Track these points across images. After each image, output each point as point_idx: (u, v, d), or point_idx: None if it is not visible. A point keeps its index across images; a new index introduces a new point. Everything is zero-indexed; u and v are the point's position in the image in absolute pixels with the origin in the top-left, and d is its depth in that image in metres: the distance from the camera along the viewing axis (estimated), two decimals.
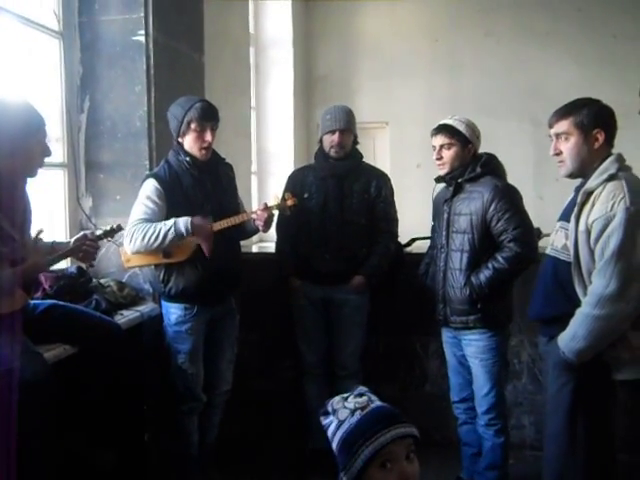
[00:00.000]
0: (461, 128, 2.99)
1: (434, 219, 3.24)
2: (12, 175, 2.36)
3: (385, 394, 1.59)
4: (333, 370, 3.56)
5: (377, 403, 1.51)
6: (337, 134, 3.38)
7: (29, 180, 2.48)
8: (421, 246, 3.80)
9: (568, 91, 3.15)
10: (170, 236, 2.84)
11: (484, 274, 2.90)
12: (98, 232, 2.70)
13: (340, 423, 1.49)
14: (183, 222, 2.85)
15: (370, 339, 3.62)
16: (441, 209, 3.12)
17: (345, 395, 1.54)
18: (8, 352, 2.17)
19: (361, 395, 1.52)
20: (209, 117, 2.97)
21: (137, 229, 2.87)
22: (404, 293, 3.71)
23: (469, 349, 3.05)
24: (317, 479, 3.27)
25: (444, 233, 3.06)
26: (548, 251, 2.49)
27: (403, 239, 3.70)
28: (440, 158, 3.04)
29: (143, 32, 3.36)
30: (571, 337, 2.25)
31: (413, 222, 3.89)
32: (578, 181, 2.46)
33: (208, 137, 2.97)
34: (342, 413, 1.50)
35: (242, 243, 3.35)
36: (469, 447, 3.22)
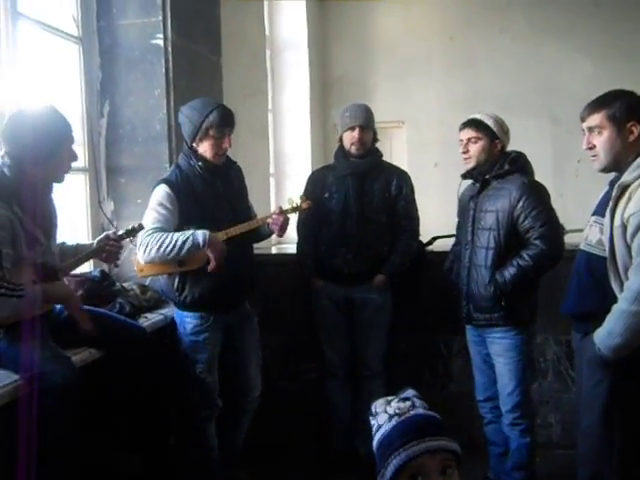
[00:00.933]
0: (489, 122, 2.97)
1: (459, 216, 3.22)
2: (41, 182, 2.38)
3: None
4: (356, 371, 3.54)
5: (418, 411, 1.46)
6: (357, 130, 3.36)
7: (54, 185, 2.49)
8: (443, 245, 3.77)
9: (586, 87, 3.11)
10: (187, 246, 2.74)
11: (509, 271, 2.88)
12: (120, 232, 2.71)
13: (379, 427, 1.46)
14: (201, 234, 2.76)
15: (393, 339, 3.59)
16: (467, 206, 3.10)
17: (390, 398, 1.50)
18: (34, 357, 2.18)
19: (405, 400, 1.48)
20: (228, 123, 2.92)
21: (152, 239, 2.76)
22: (427, 292, 3.68)
23: (493, 347, 3.02)
24: None
25: (469, 230, 3.04)
26: (582, 246, 2.45)
27: (421, 238, 3.67)
28: (466, 152, 3.02)
29: (161, 35, 3.37)
30: (607, 333, 2.21)
31: (431, 221, 3.87)
32: (604, 176, 2.43)
33: (226, 144, 2.92)
34: (382, 417, 1.46)
35: (261, 245, 3.33)
36: (496, 446, 3.19)
